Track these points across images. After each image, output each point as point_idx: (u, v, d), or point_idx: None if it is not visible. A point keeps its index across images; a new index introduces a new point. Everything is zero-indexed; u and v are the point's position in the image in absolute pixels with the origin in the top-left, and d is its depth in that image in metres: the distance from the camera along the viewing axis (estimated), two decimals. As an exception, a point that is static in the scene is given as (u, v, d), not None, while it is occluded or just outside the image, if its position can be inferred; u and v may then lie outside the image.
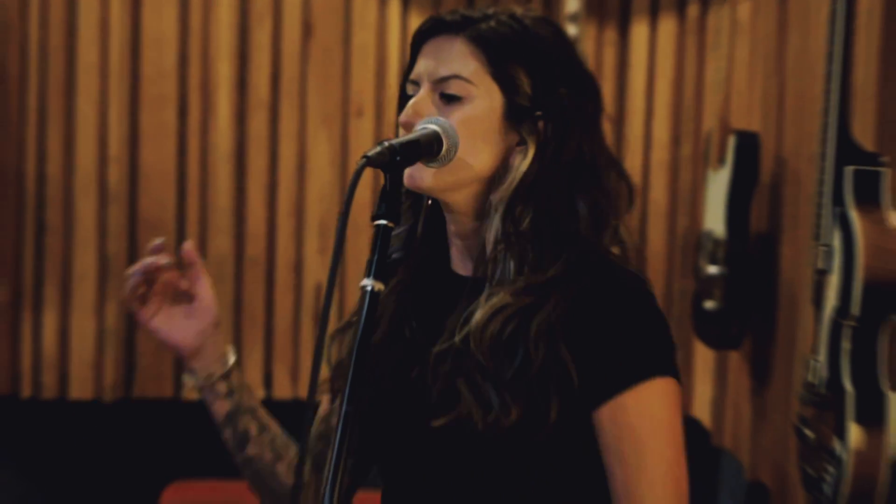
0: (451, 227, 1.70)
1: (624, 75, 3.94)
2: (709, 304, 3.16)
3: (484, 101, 1.63)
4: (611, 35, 3.94)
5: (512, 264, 1.61)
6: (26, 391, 3.96)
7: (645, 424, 1.55)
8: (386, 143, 1.54)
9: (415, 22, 3.91)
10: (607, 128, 3.86)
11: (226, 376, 1.73)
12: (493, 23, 1.65)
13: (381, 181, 1.55)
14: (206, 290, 1.73)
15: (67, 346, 3.95)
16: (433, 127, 1.61)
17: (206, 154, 3.95)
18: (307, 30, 3.96)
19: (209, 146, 3.96)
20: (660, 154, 3.93)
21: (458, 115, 1.62)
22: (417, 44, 1.69)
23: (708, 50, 3.85)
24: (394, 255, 1.74)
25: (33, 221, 3.93)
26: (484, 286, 1.63)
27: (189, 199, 3.95)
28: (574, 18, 3.72)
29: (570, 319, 1.57)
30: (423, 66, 1.66)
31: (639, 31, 3.93)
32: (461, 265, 1.70)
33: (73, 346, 3.95)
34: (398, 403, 1.66)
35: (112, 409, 3.98)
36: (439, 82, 1.64)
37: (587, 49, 3.87)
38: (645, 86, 3.93)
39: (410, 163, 1.59)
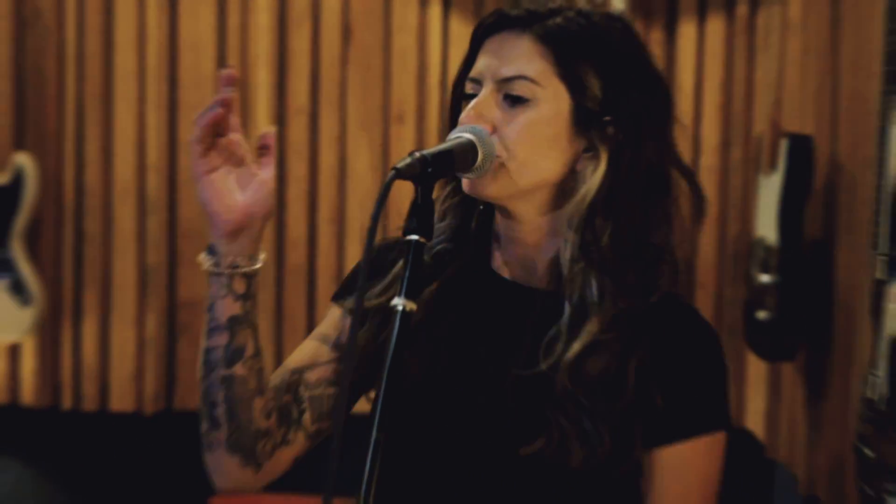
0: (507, 233, 1.62)
1: (671, 77, 3.84)
2: (761, 315, 3.06)
3: (551, 103, 1.55)
4: (657, 35, 3.84)
5: (594, 283, 1.55)
6: (67, 403, 3.92)
7: (698, 476, 1.57)
8: (417, 154, 1.46)
9: (456, 25, 3.83)
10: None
11: (249, 276, 1.54)
12: (559, 19, 1.57)
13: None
14: (269, 174, 1.54)
15: (108, 357, 3.91)
16: (467, 136, 1.54)
17: (246, 161, 3.88)
18: (346, 33, 3.89)
19: (248, 153, 3.89)
20: (709, 158, 3.83)
21: (522, 118, 1.55)
22: (479, 39, 1.61)
23: (758, 50, 3.74)
24: (438, 247, 1.66)
25: (72, 231, 3.90)
26: (557, 301, 1.57)
27: (228, 207, 3.89)
28: (620, 19, 3.63)
29: (655, 356, 1.54)
30: (485, 63, 1.58)
31: (686, 31, 3.83)
32: (506, 268, 1.63)
33: (114, 356, 3.91)
34: (462, 422, 1.58)
35: (153, 422, 3.93)
36: (503, 82, 1.56)
37: (634, 50, 3.77)
38: (693, 88, 3.83)
39: (443, 174, 1.52)
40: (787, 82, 3.41)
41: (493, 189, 1.56)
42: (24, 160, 3.77)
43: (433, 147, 1.50)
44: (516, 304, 1.61)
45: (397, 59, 3.88)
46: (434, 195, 1.49)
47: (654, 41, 3.83)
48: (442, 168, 1.50)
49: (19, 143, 3.86)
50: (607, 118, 1.56)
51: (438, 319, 1.63)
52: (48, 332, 3.89)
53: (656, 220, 1.57)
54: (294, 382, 1.64)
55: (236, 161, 1.54)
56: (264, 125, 3.88)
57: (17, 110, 3.88)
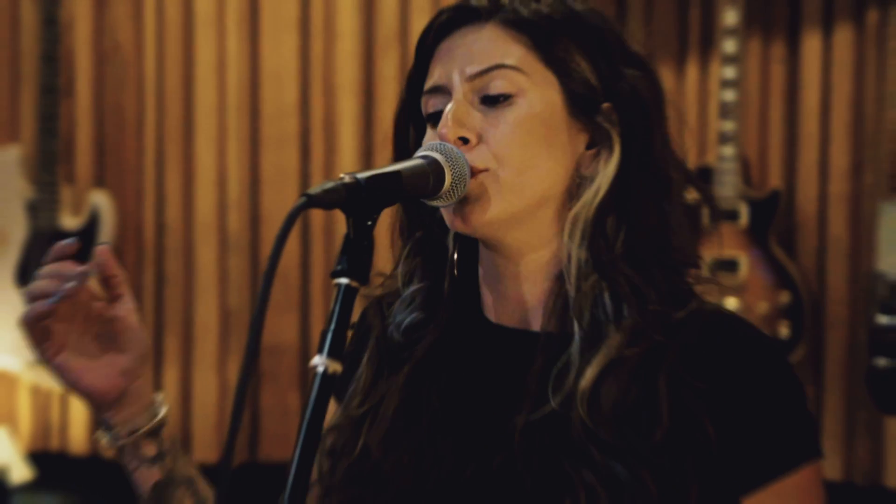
0: (501, 271, 1.34)
1: (795, 95, 3.48)
2: (881, 362, 2.69)
3: (539, 93, 1.29)
4: (778, 50, 3.47)
5: (607, 296, 1.26)
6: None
7: None
8: (347, 178, 1.18)
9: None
10: (777, 156, 3.35)
11: (154, 432, 1.32)
12: (524, 3, 1.33)
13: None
14: (129, 313, 1.31)
15: (189, 405, 3.72)
16: (434, 155, 1.26)
17: (331, 196, 3.67)
18: (437, 58, 3.64)
19: (334, 188, 3.67)
20: (838, 185, 3.44)
21: (510, 116, 1.28)
22: (430, 46, 1.34)
23: (889, 60, 3.34)
24: (409, 320, 1.38)
25: (153, 272, 3.74)
26: (566, 341, 1.28)
27: (314, 246, 3.67)
28: (733, 32, 3.29)
29: (708, 382, 1.23)
30: (446, 67, 1.31)
31: (810, 45, 3.45)
32: (501, 312, 1.35)
33: (196, 404, 3.72)
34: (462, 492, 1.29)
35: (237, 474, 3.72)
36: (477, 80, 1.29)
37: (750, 67, 3.41)
38: (819, 106, 3.45)
39: (388, 202, 1.24)
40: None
41: (491, 212, 1.28)
42: (100, 199, 3.62)
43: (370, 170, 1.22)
44: (518, 353, 1.32)
45: (487, 83, 3.62)
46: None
47: (775, 57, 3.47)
48: (386, 194, 1.22)
49: (99, 181, 3.72)
50: (605, 105, 1.30)
51: (430, 384, 1.35)
52: (128, 379, 3.72)
53: (675, 218, 1.30)
54: None
55: (86, 315, 1.31)
56: (351, 158, 3.65)
57: (97, 147, 3.75)
